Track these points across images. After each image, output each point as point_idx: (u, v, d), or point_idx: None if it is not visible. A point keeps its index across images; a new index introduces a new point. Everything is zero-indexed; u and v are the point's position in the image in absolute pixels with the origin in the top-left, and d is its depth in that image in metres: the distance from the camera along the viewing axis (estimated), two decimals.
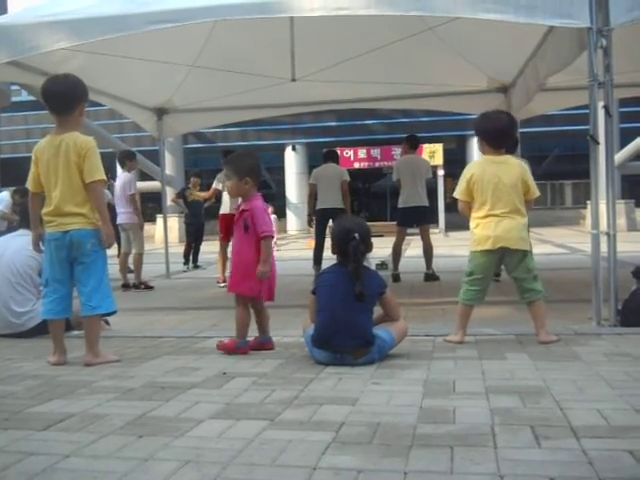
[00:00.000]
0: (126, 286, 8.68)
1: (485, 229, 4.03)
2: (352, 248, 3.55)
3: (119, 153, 9.56)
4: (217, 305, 6.67)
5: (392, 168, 9.74)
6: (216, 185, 9.26)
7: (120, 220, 8.75)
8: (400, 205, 8.66)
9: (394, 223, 9.37)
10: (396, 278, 8.36)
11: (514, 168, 4.10)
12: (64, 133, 3.75)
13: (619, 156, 18.73)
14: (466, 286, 4.14)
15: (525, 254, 4.07)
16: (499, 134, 4.14)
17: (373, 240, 3.78)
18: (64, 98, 3.81)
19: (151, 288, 8.76)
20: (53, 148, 3.74)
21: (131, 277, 8.88)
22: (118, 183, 8.90)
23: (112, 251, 9.03)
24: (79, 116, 3.84)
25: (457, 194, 4.16)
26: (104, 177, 3.85)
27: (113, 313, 4.02)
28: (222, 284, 8.18)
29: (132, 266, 8.94)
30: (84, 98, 3.87)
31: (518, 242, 4.03)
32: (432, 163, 19.61)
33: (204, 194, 10.85)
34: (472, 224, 4.15)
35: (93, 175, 3.73)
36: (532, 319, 4.09)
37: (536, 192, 4.15)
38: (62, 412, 2.77)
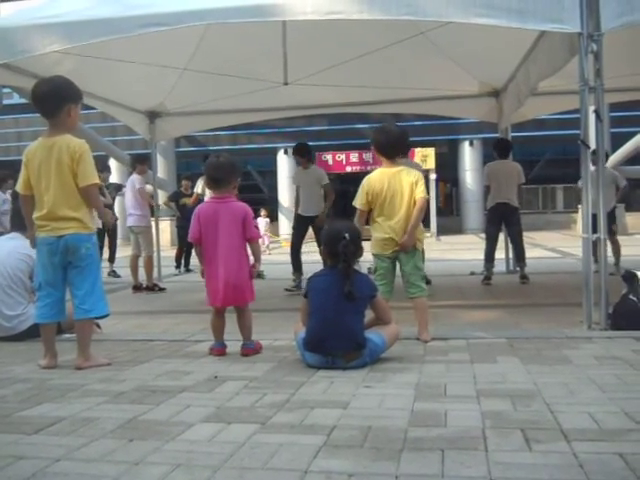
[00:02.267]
0: (137, 288, 8.72)
1: (382, 234, 4.43)
2: (342, 247, 3.58)
3: (131, 158, 9.66)
4: (208, 309, 6.64)
5: None
6: (196, 189, 9.21)
7: (129, 222, 8.85)
8: None
9: None
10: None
11: (406, 177, 4.40)
12: (56, 136, 3.74)
13: (610, 161, 18.82)
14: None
15: (415, 252, 4.51)
16: (391, 146, 4.46)
17: (365, 244, 3.80)
18: (49, 99, 3.78)
19: (163, 289, 8.84)
20: (45, 151, 3.72)
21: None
22: (129, 184, 8.97)
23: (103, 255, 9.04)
24: (68, 118, 3.79)
25: (358, 204, 4.47)
26: (98, 180, 3.86)
27: (106, 316, 4.01)
28: None
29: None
30: (72, 99, 3.81)
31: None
32: (424, 167, 19.69)
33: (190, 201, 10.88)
34: (372, 228, 4.53)
35: (87, 179, 3.73)
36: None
37: (420, 194, 4.40)
38: (52, 416, 2.76)
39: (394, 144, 4.48)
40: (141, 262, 8.87)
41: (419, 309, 4.41)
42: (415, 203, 4.37)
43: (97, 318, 4.07)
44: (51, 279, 3.79)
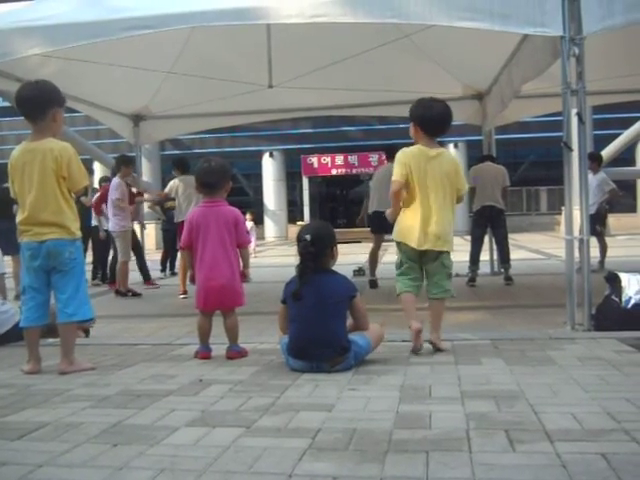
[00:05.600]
0: (119, 292, 8.70)
1: (411, 223, 3.99)
2: (300, 248, 3.56)
3: (116, 158, 9.44)
4: (193, 312, 6.62)
5: (368, 175, 9.73)
6: (168, 189, 8.82)
7: (109, 227, 8.78)
8: (373, 210, 8.50)
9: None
10: (373, 284, 8.37)
11: (448, 163, 4.06)
12: (40, 139, 3.71)
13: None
14: (400, 278, 4.08)
15: (442, 252, 4.06)
16: (435, 122, 4.05)
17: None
18: (33, 103, 3.75)
19: (138, 295, 8.74)
20: (29, 154, 3.70)
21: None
22: (110, 187, 8.81)
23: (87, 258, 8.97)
24: (53, 122, 3.76)
25: (395, 176, 3.99)
26: (88, 182, 3.88)
27: (90, 320, 3.98)
28: (183, 295, 8.05)
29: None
30: (56, 103, 3.79)
31: (439, 244, 4.01)
32: None
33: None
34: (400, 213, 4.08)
35: (80, 183, 3.77)
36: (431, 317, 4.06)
37: (464, 187, 4.12)
38: (36, 421, 2.74)
39: (439, 120, 4.04)
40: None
41: (433, 310, 4.05)
42: (458, 197, 4.08)
43: (81, 322, 4.04)
44: (34, 283, 3.77)
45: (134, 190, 9.48)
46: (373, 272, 8.53)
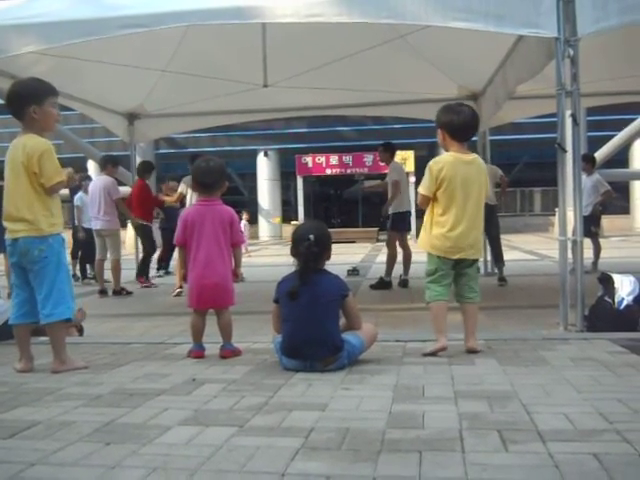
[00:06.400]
0: (103, 292, 8.58)
1: (445, 234, 3.90)
2: (304, 248, 3.55)
3: (103, 156, 9.44)
4: (187, 311, 6.62)
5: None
6: (182, 189, 9.19)
7: (98, 226, 8.63)
8: (396, 210, 8.61)
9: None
10: (392, 284, 8.41)
11: (482, 170, 4.03)
12: (22, 136, 3.70)
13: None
14: (431, 285, 3.99)
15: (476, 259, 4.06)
16: (465, 127, 3.95)
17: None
18: (11, 102, 3.73)
19: (130, 293, 8.71)
20: (11, 151, 3.70)
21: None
22: (98, 186, 8.68)
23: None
24: (33, 120, 3.66)
25: (423, 189, 3.95)
26: (62, 178, 3.73)
27: (68, 320, 3.92)
28: (178, 290, 8.05)
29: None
30: (33, 101, 3.66)
31: (477, 253, 4.04)
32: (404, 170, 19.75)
33: (169, 198, 10.24)
34: (428, 221, 4.01)
35: (52, 179, 3.64)
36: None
37: (487, 194, 4.16)
38: (28, 419, 2.73)
39: (468, 125, 3.94)
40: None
41: (471, 315, 3.99)
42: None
43: (61, 322, 3.95)
44: (16, 280, 3.79)
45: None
46: (389, 272, 8.54)
